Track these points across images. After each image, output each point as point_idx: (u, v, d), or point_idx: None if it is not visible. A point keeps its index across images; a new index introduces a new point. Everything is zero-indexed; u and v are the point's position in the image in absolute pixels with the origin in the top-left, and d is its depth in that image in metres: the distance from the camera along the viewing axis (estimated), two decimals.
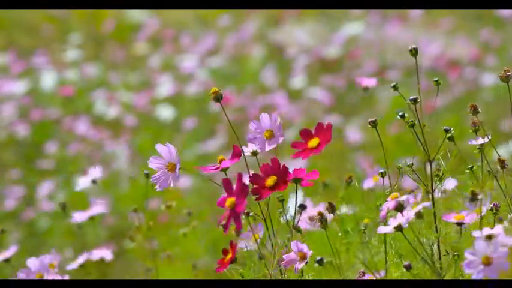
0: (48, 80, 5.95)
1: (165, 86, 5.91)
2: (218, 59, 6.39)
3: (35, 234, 4.20)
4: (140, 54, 6.63)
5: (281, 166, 1.49)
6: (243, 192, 1.41)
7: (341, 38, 6.49)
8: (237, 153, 1.51)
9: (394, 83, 1.60)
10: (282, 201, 1.56)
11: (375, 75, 5.48)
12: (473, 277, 1.29)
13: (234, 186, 1.44)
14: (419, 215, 1.40)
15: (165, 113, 5.60)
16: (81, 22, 7.24)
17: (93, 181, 1.97)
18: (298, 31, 6.89)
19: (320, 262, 1.45)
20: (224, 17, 6.97)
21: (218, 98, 1.52)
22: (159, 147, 1.52)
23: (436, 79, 1.61)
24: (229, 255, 1.49)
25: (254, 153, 1.55)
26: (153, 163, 1.53)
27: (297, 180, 1.49)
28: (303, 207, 1.57)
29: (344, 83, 5.89)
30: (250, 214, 1.53)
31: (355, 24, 6.54)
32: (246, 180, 1.47)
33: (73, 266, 1.92)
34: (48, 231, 4.34)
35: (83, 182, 1.98)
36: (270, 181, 1.48)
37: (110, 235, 3.87)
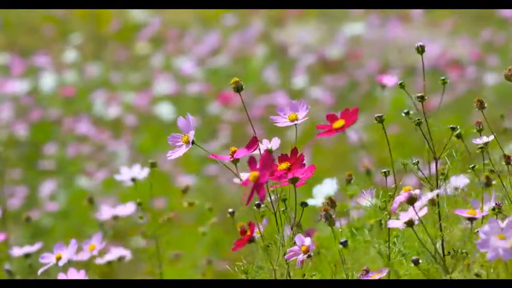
0: (48, 81, 5.95)
1: (164, 85, 5.91)
2: (220, 58, 6.39)
3: (37, 234, 4.20)
4: (142, 54, 6.63)
5: (298, 154, 1.52)
6: (267, 165, 1.43)
7: (342, 38, 6.49)
8: (254, 143, 1.53)
9: (401, 81, 1.61)
10: (284, 200, 1.57)
11: (375, 75, 5.49)
12: (488, 256, 1.29)
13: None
14: (433, 202, 1.39)
15: (164, 111, 5.60)
16: (82, 22, 7.25)
17: (133, 179, 1.94)
18: (300, 31, 6.89)
19: (344, 244, 1.46)
20: (226, 16, 6.97)
21: (238, 88, 1.55)
22: (180, 120, 1.55)
23: (443, 78, 1.62)
24: (248, 233, 1.50)
25: (269, 152, 1.56)
26: (171, 140, 1.56)
27: (295, 180, 1.51)
28: (305, 204, 1.58)
29: (345, 83, 5.89)
30: (262, 205, 1.54)
31: (356, 25, 6.54)
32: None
33: (100, 261, 1.92)
34: (50, 231, 4.34)
35: (123, 175, 1.95)
36: (283, 165, 1.51)
37: (111, 235, 3.86)
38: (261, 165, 1.43)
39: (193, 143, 1.55)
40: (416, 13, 6.61)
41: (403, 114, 1.55)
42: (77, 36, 6.85)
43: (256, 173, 1.43)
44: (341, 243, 1.48)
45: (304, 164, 1.53)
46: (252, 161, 1.45)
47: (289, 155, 1.54)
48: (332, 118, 1.54)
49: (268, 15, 7.18)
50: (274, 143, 1.58)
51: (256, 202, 1.54)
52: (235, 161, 1.53)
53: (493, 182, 1.40)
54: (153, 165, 1.92)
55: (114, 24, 7.07)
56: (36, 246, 1.98)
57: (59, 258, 1.74)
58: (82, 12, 7.26)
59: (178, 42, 6.75)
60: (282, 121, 1.57)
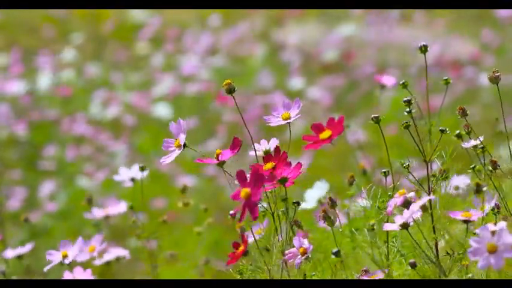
0: (45, 80, 5.95)
1: (163, 85, 5.92)
2: (219, 58, 6.40)
3: (37, 235, 4.20)
4: (142, 54, 6.63)
5: (281, 153, 1.52)
6: (258, 182, 1.42)
7: (338, 39, 6.50)
8: (237, 145, 1.52)
9: (403, 81, 1.60)
10: (285, 200, 1.57)
11: (374, 75, 5.50)
12: (479, 265, 1.29)
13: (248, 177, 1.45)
14: (423, 208, 1.40)
15: (162, 111, 5.61)
16: (82, 22, 7.25)
17: (132, 179, 1.94)
18: (300, 31, 6.89)
19: (337, 254, 1.46)
20: (214, 17, 6.98)
21: (230, 90, 1.55)
22: (172, 125, 1.56)
23: (446, 78, 1.62)
24: (241, 248, 1.50)
25: (267, 152, 1.56)
26: (165, 145, 1.57)
27: (283, 180, 1.51)
28: (298, 204, 1.58)
29: (344, 83, 5.89)
30: (260, 206, 1.54)
31: (352, 25, 6.55)
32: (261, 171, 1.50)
33: (99, 262, 1.92)
34: (50, 231, 4.34)
35: (122, 175, 1.95)
36: (268, 165, 1.51)
37: (111, 235, 3.88)
38: (252, 182, 1.42)
39: (185, 146, 1.55)
40: (416, 13, 6.61)
41: (405, 113, 1.54)
42: (77, 36, 6.85)
43: (247, 190, 1.42)
44: (333, 253, 1.48)
45: (289, 163, 1.52)
46: (241, 176, 1.44)
47: (272, 155, 1.54)
48: (318, 128, 1.52)
49: (268, 15, 7.19)
50: (272, 144, 1.57)
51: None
52: (221, 164, 1.53)
53: (484, 188, 1.41)
54: (142, 169, 1.92)
55: (110, 24, 7.07)
56: (28, 247, 1.98)
57: (65, 256, 1.74)
58: (82, 12, 7.26)
59: (178, 42, 6.75)
60: (275, 120, 1.57)
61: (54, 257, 1.74)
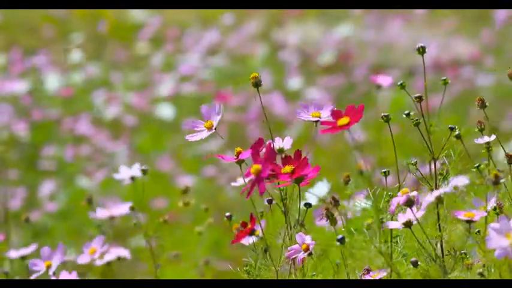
0: (52, 81, 5.95)
1: (165, 85, 5.92)
2: (220, 58, 6.40)
3: (38, 235, 4.20)
4: (142, 54, 6.63)
5: (302, 158, 1.53)
6: (269, 159, 1.43)
7: (336, 40, 6.50)
8: (260, 145, 1.53)
9: (401, 82, 1.61)
10: (285, 199, 1.57)
11: (373, 76, 5.49)
12: (496, 253, 1.29)
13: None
14: (439, 199, 1.40)
15: (165, 112, 5.61)
16: (82, 22, 7.25)
17: (132, 178, 1.94)
18: (300, 31, 6.90)
19: (341, 240, 1.47)
20: (226, 16, 6.98)
21: (257, 83, 1.56)
22: (203, 108, 1.58)
23: (444, 78, 1.63)
24: (248, 227, 1.51)
25: (281, 150, 1.57)
26: (190, 124, 1.59)
27: (300, 179, 1.51)
28: (308, 205, 1.58)
29: (343, 84, 5.89)
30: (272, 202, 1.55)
31: (349, 26, 6.55)
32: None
33: (99, 262, 1.92)
34: (50, 231, 4.34)
35: (122, 174, 1.94)
36: (287, 169, 1.51)
37: (112, 235, 3.88)
38: (264, 159, 1.43)
39: (215, 129, 1.57)
40: (415, 13, 6.61)
41: (404, 116, 1.55)
42: (77, 36, 6.85)
43: (258, 166, 1.43)
44: (338, 240, 1.48)
45: (307, 164, 1.53)
46: (255, 154, 1.45)
47: (292, 157, 1.54)
48: (337, 115, 1.53)
49: (268, 15, 7.19)
50: (287, 142, 1.58)
51: (268, 198, 1.55)
52: (240, 162, 1.54)
53: (502, 180, 1.41)
54: (144, 172, 1.92)
55: (105, 24, 7.07)
56: (32, 247, 1.98)
57: (48, 266, 1.73)
58: (82, 12, 7.26)
59: (178, 42, 6.75)
60: (305, 116, 1.58)
61: (39, 267, 1.73)
